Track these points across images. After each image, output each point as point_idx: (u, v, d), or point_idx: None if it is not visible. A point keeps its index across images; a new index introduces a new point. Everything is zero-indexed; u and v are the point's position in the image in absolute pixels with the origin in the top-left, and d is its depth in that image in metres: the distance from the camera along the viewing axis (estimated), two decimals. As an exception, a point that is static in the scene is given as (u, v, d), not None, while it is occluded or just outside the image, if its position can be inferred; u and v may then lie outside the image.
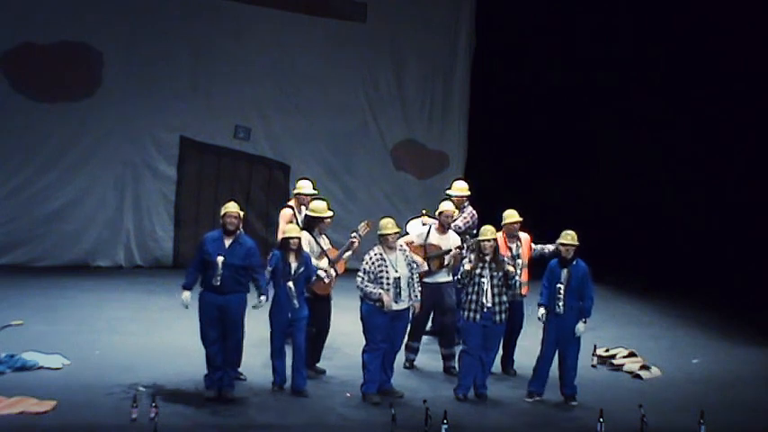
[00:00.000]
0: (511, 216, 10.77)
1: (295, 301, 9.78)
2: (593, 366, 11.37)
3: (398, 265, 9.87)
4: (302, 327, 9.95)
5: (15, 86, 15.51)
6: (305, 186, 11.39)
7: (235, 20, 16.33)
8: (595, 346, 11.55)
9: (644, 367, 11.27)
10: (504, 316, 10.00)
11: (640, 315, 14.36)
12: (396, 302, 9.78)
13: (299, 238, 9.91)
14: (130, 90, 15.89)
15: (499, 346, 10.36)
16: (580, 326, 10.04)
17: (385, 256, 9.88)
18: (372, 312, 9.80)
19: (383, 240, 9.92)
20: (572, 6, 17.08)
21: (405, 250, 10.06)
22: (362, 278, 9.84)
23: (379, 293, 9.70)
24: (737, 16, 15.52)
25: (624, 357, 11.53)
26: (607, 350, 11.72)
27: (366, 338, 9.91)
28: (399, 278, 9.79)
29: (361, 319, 9.94)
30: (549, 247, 10.80)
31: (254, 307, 9.82)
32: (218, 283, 9.55)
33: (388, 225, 9.95)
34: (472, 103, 17.65)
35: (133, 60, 15.89)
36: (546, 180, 17.43)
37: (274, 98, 16.68)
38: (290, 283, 9.76)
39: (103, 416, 9.05)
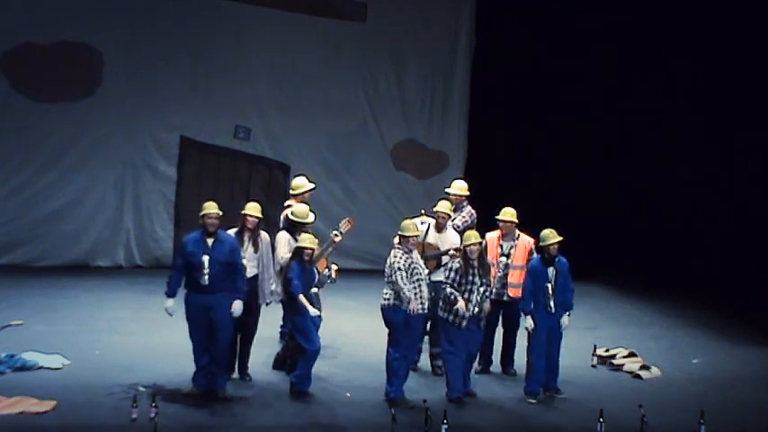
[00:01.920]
0: (503, 214, 10.80)
1: (319, 307, 9.89)
2: (593, 366, 11.36)
3: (422, 266, 9.94)
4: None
5: (15, 86, 15.54)
6: (303, 185, 11.27)
7: (235, 20, 16.35)
8: (595, 346, 11.55)
9: (644, 367, 11.27)
10: (484, 321, 10.10)
11: (640, 315, 14.36)
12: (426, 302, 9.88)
13: (313, 249, 9.84)
14: (130, 90, 15.91)
15: (480, 343, 10.34)
16: (565, 319, 10.14)
17: (412, 257, 9.84)
18: (414, 320, 9.79)
19: (404, 242, 9.86)
20: (572, 6, 17.08)
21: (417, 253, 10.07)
22: (400, 276, 9.67)
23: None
24: (737, 16, 15.52)
25: (624, 357, 11.53)
26: (607, 350, 11.71)
27: (398, 344, 9.77)
28: (428, 279, 9.91)
29: (398, 325, 9.76)
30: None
31: (233, 314, 9.70)
32: (207, 283, 9.52)
33: (410, 227, 9.90)
34: (472, 103, 17.66)
35: (133, 60, 15.91)
36: (546, 180, 17.43)
37: (274, 98, 16.70)
38: (316, 289, 9.83)
39: (103, 416, 9.04)
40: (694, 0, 16.00)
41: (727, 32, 15.72)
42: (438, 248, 10.74)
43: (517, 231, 10.83)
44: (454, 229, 11.08)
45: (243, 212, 10.16)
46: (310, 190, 11.26)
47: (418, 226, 11.06)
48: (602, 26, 16.99)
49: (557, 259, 10.11)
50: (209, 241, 9.60)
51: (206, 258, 9.51)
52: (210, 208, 9.69)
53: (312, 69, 16.75)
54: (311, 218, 10.40)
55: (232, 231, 10.02)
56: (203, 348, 9.65)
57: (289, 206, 11.25)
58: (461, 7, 17.53)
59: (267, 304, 10.34)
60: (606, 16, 16.97)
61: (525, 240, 10.81)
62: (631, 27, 16.97)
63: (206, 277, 9.50)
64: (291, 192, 11.33)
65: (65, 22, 15.61)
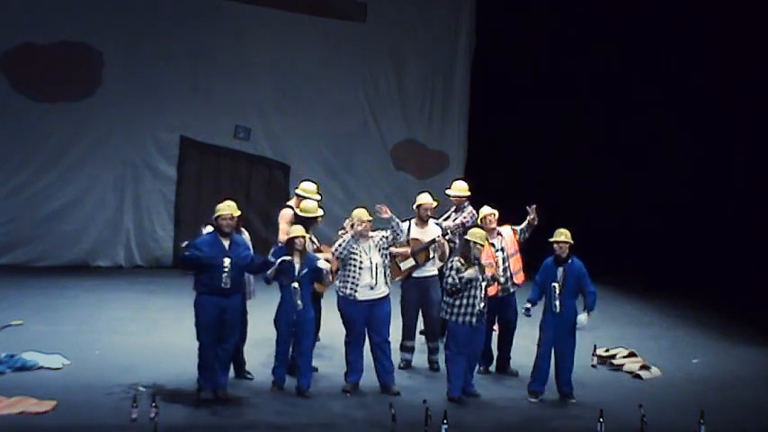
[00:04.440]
0: (482, 211, 10.89)
1: (299, 302, 9.75)
2: (593, 366, 11.35)
3: (371, 252, 9.99)
4: (309, 329, 9.94)
5: (15, 86, 15.55)
6: (308, 189, 11.20)
7: (235, 20, 16.36)
8: (595, 346, 11.55)
9: (644, 367, 11.27)
10: (486, 315, 10.09)
11: (640, 315, 14.35)
12: (372, 289, 9.90)
13: (305, 238, 9.89)
14: (130, 90, 15.92)
15: (482, 343, 10.37)
16: (582, 317, 10.04)
17: (357, 244, 9.99)
18: (346, 303, 9.97)
19: (356, 229, 10.03)
20: (572, 6, 17.08)
21: (373, 237, 10.08)
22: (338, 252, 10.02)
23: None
24: (737, 16, 15.53)
25: (624, 357, 11.52)
26: (607, 350, 11.71)
27: (345, 329, 10.09)
28: (373, 265, 9.91)
29: (338, 310, 10.08)
30: (526, 222, 10.86)
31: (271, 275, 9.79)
32: (228, 286, 9.55)
33: (362, 215, 10.06)
34: (472, 103, 17.66)
35: (133, 60, 15.92)
36: (546, 180, 17.43)
37: (274, 98, 16.71)
38: (295, 284, 9.75)
39: (103, 416, 9.04)
40: (694, 0, 16.00)
41: (727, 32, 15.73)
42: (423, 242, 10.81)
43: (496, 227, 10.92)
44: (454, 229, 11.11)
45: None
46: (315, 200, 11.11)
47: (404, 227, 11.10)
48: (603, 26, 17.00)
49: (570, 260, 10.09)
50: (226, 243, 9.61)
51: (227, 261, 9.52)
52: (224, 209, 9.67)
53: (312, 69, 16.76)
54: (320, 211, 10.45)
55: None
56: (214, 351, 9.62)
57: (288, 206, 11.22)
58: (461, 7, 17.54)
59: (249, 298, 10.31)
60: (606, 16, 16.97)
61: (506, 230, 10.94)
62: (631, 27, 16.97)
63: (228, 280, 9.53)
64: (298, 192, 11.19)
65: (65, 22, 15.62)
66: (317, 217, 10.42)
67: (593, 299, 10.11)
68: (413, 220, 11.03)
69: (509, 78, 17.48)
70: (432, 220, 11.12)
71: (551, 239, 10.10)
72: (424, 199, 11.09)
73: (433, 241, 10.74)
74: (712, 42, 15.93)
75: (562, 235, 10.08)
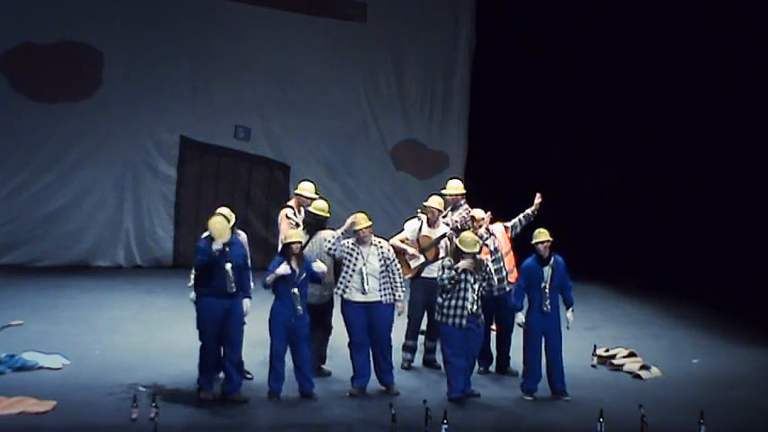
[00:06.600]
0: (473, 213, 10.91)
1: (299, 308, 9.75)
2: (593, 366, 11.36)
3: (369, 258, 10.01)
4: (306, 334, 9.90)
5: (15, 86, 15.56)
6: (307, 189, 11.21)
7: (235, 20, 16.36)
8: (595, 346, 11.54)
9: (644, 367, 11.26)
10: (483, 317, 10.08)
11: (640, 315, 14.35)
12: (364, 293, 9.94)
13: (301, 242, 9.89)
14: (130, 90, 15.92)
15: (481, 343, 10.37)
16: (569, 315, 10.19)
17: (357, 247, 10.05)
18: (343, 304, 10.02)
19: (356, 234, 10.10)
20: (572, 6, 17.07)
21: (381, 246, 10.14)
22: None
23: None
24: (737, 15, 15.54)
25: (624, 357, 11.52)
26: (607, 350, 11.71)
27: (347, 332, 10.13)
28: (365, 270, 9.95)
29: (343, 315, 10.11)
30: (523, 215, 10.89)
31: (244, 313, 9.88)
32: (234, 289, 9.58)
33: (361, 221, 10.11)
34: (472, 103, 17.66)
35: (133, 60, 15.93)
36: (546, 180, 17.39)
37: (274, 98, 16.70)
38: (295, 290, 9.75)
39: (103, 416, 9.05)
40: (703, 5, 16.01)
41: (727, 33, 15.72)
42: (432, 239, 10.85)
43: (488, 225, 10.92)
44: (453, 227, 11.13)
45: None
46: (311, 198, 11.09)
47: (414, 225, 11.09)
48: (603, 26, 16.98)
49: (553, 259, 10.13)
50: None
51: (228, 265, 9.54)
52: (217, 224, 9.63)
53: (312, 69, 16.76)
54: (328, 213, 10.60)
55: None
56: (217, 352, 9.63)
57: (288, 206, 11.21)
58: (461, 7, 17.53)
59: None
60: (606, 16, 16.95)
61: (499, 228, 10.94)
62: (633, 26, 16.95)
63: (232, 284, 9.56)
64: (298, 192, 11.18)
65: (65, 22, 15.63)
66: (327, 217, 10.51)
67: (572, 294, 10.26)
68: (424, 221, 11.04)
69: (509, 78, 17.46)
70: (443, 224, 11.10)
71: (535, 241, 10.11)
72: (430, 202, 11.09)
73: (443, 236, 10.76)
74: (713, 42, 15.92)
75: (542, 234, 10.12)
